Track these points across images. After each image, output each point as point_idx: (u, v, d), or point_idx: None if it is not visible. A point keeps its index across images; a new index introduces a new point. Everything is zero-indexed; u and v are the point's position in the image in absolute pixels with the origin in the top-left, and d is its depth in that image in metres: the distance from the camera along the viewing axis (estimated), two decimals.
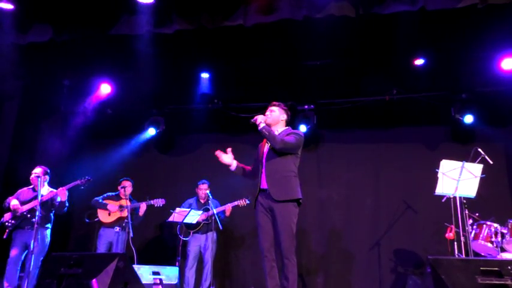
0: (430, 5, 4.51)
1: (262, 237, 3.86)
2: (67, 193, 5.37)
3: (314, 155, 6.94)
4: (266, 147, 4.03)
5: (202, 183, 6.18)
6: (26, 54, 5.77)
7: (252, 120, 3.96)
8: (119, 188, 6.01)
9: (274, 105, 4.15)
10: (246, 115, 6.84)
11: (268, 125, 3.99)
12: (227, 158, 4.08)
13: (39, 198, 4.99)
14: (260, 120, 3.94)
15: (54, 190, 5.37)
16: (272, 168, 3.89)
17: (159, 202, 5.94)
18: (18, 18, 5.26)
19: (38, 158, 6.48)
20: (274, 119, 4.05)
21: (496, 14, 4.85)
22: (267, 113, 4.07)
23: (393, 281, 6.28)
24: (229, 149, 4.12)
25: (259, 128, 3.91)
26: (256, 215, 3.93)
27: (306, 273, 6.56)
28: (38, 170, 5.43)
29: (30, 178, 5.43)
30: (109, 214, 5.92)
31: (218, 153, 4.09)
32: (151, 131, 7.24)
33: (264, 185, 3.90)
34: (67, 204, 5.47)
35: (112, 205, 5.92)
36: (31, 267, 4.88)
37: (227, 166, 4.09)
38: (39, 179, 5.20)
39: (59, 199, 5.35)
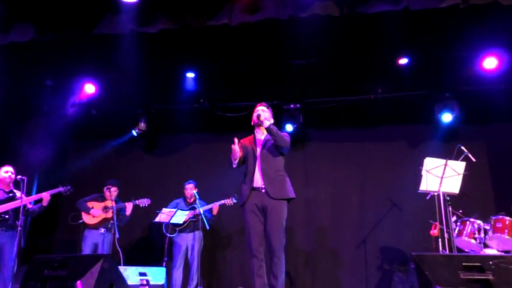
0: (413, 4, 4.56)
1: (252, 236, 3.87)
2: (49, 198, 5.24)
3: (300, 154, 6.96)
4: (257, 146, 4.04)
5: (188, 183, 6.17)
6: (7, 54, 5.67)
7: (257, 115, 3.97)
8: (105, 189, 5.95)
9: (264, 105, 4.17)
10: (233, 114, 6.85)
11: (261, 124, 4.01)
12: (239, 152, 4.01)
13: (18, 199, 4.90)
14: (265, 116, 3.98)
15: (20, 193, 5.20)
16: (268, 167, 3.94)
17: (144, 202, 5.93)
18: None
19: (21, 160, 6.37)
20: (267, 119, 4.07)
21: (478, 14, 4.92)
22: (259, 112, 4.06)
23: (379, 278, 6.35)
24: (235, 140, 4.02)
25: (266, 125, 3.94)
26: (245, 214, 3.94)
27: (293, 271, 6.59)
28: (11, 170, 5.23)
29: (1, 178, 5.18)
30: (93, 216, 5.87)
31: (236, 142, 3.98)
32: (136, 131, 7.18)
33: (256, 183, 3.92)
34: (42, 210, 5.32)
35: (96, 209, 5.86)
36: (14, 269, 4.81)
37: (233, 159, 4.01)
38: (23, 180, 5.10)
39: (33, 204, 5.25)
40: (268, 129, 3.94)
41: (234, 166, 4.06)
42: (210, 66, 6.51)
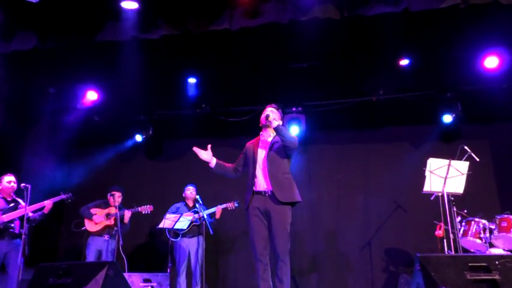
0: (413, 5, 4.56)
1: (255, 240, 3.84)
2: (51, 206, 5.25)
3: (303, 157, 6.95)
4: (262, 149, 4.01)
5: (189, 186, 6.18)
6: (10, 63, 5.70)
7: (266, 115, 3.94)
8: (108, 195, 5.95)
9: (274, 107, 4.12)
10: (235, 119, 6.86)
11: (268, 126, 4.00)
12: (205, 154, 4.02)
13: (23, 208, 4.89)
14: (273, 116, 3.94)
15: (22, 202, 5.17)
16: (275, 169, 3.89)
17: (146, 209, 5.90)
18: (1, 27, 5.20)
19: (24, 167, 6.39)
20: (276, 120, 4.02)
21: (478, 14, 4.93)
22: (268, 113, 4.02)
23: (385, 280, 6.32)
24: (208, 146, 4.06)
25: (275, 125, 3.89)
26: (248, 218, 3.91)
27: (299, 274, 6.57)
28: (13, 179, 5.22)
29: (4, 188, 5.18)
30: (95, 223, 5.86)
31: (196, 149, 4.02)
32: (139, 137, 7.21)
33: (258, 187, 3.90)
34: (43, 218, 5.31)
35: (98, 216, 5.85)
36: (19, 277, 4.81)
37: (207, 163, 4.02)
38: (27, 188, 5.10)
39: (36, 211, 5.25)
40: (276, 129, 3.89)
41: (211, 169, 4.07)
42: (211, 71, 6.53)
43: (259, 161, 3.96)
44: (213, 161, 4.05)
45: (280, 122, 4.10)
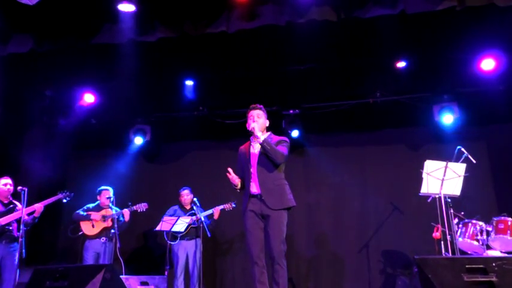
0: (410, 8, 4.57)
1: (252, 243, 3.83)
2: (43, 209, 5.21)
3: (301, 160, 6.97)
4: (253, 152, 3.97)
5: (184, 190, 6.16)
6: (6, 66, 5.68)
7: (251, 128, 3.89)
8: (98, 197, 5.93)
9: (256, 108, 4.03)
10: (232, 121, 6.86)
11: (256, 137, 3.93)
12: (236, 180, 4.00)
13: (23, 210, 4.88)
14: (258, 131, 3.88)
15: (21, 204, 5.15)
16: (265, 176, 3.86)
17: (141, 207, 5.87)
18: None
19: (21, 170, 6.37)
20: (262, 127, 3.99)
21: (475, 16, 4.94)
22: (256, 119, 3.98)
23: (382, 282, 6.32)
24: (230, 170, 4.00)
25: (260, 141, 3.84)
26: (245, 220, 3.91)
27: (296, 277, 6.57)
28: (9, 181, 5.20)
29: (1, 190, 5.16)
30: (93, 226, 5.81)
31: (231, 172, 3.98)
32: (137, 140, 7.19)
33: (255, 190, 3.88)
34: (36, 221, 5.26)
35: (94, 219, 5.83)
36: (15, 281, 4.79)
37: (234, 186, 4.02)
38: (24, 191, 5.09)
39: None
40: (262, 145, 3.85)
41: (238, 191, 4.06)
42: (208, 74, 6.53)
43: (252, 166, 3.93)
44: (239, 185, 4.03)
45: (267, 123, 4.04)
